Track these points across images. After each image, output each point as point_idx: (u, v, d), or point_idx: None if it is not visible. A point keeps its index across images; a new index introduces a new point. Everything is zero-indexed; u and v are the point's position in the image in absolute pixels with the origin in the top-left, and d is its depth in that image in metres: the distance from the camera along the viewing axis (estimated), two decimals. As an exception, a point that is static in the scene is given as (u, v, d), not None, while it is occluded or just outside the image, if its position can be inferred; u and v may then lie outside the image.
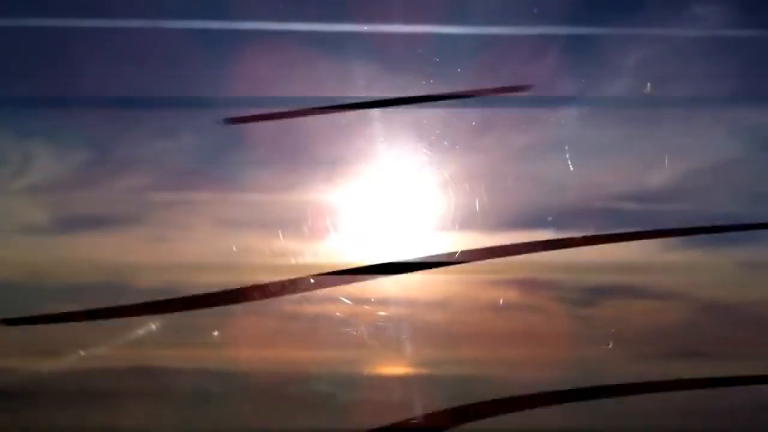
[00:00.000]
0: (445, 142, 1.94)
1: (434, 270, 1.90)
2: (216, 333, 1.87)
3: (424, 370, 1.95)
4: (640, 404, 1.90)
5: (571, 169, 1.92)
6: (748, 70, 2.01)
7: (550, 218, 1.93)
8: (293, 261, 1.87)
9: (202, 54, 1.99)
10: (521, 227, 1.94)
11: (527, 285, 1.98)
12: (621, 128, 2.02)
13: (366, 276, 1.88)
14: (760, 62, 2.00)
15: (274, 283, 1.85)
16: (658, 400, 1.90)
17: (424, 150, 1.94)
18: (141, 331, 1.85)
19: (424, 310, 1.97)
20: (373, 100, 1.91)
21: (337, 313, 1.89)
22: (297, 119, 1.94)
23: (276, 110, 1.93)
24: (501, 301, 1.94)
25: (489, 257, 1.88)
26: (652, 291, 2.00)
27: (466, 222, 1.92)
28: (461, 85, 1.94)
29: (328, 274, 1.86)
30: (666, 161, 1.96)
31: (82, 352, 1.85)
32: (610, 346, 1.90)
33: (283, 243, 1.89)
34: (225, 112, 1.94)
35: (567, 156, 1.92)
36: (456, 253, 1.88)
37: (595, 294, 2.01)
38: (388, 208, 1.97)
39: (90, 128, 2.00)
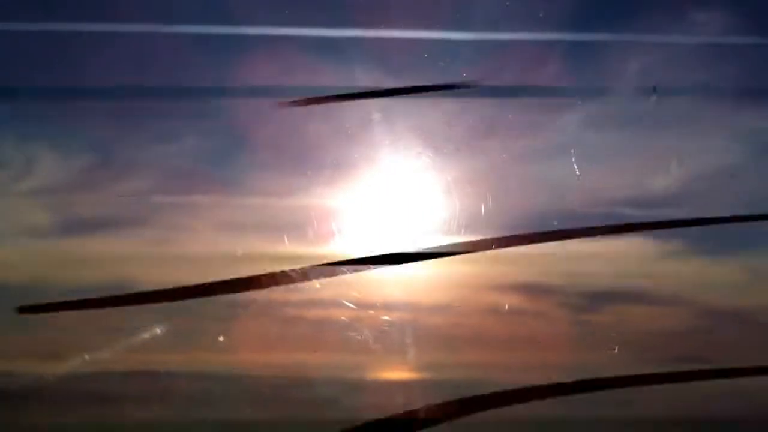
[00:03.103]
0: (450, 144, 1.95)
1: (435, 271, 1.91)
2: (221, 338, 1.87)
3: (426, 375, 1.95)
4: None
5: (577, 173, 1.93)
6: (750, 75, 2.02)
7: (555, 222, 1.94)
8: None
9: (203, 56, 1.99)
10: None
11: (530, 290, 1.99)
12: (624, 132, 2.03)
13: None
14: (762, 67, 2.02)
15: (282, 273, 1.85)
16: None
17: (428, 153, 1.95)
18: (145, 334, 1.85)
19: (427, 314, 1.97)
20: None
21: (342, 318, 1.90)
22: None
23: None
24: (506, 306, 1.95)
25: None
26: (654, 296, 2.01)
27: (470, 225, 1.92)
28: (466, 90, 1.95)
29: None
30: (669, 166, 1.97)
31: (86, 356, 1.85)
32: (616, 350, 1.91)
33: (287, 246, 1.89)
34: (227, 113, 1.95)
35: (573, 160, 1.93)
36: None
37: (598, 299, 2.01)
38: (391, 211, 1.98)
39: (93, 131, 1.99)
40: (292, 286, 1.86)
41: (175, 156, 2.02)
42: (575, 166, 1.92)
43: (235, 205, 1.97)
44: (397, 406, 1.85)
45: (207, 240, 1.94)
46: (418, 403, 1.84)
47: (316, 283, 1.86)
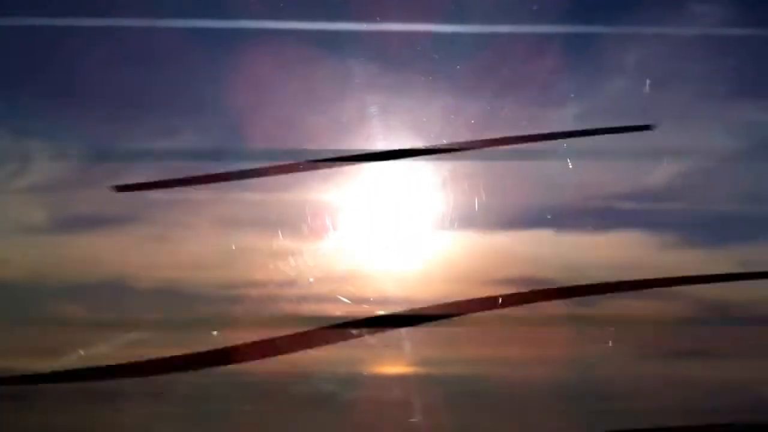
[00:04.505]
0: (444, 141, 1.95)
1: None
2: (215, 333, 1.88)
3: (423, 369, 1.95)
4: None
5: (570, 167, 1.93)
6: (747, 68, 2.02)
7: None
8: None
9: (201, 53, 2.00)
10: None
11: (526, 284, 1.98)
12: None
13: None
14: (759, 60, 2.01)
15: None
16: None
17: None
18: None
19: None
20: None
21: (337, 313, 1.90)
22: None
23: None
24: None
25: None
26: (651, 290, 2.00)
27: (465, 221, 1.92)
28: (461, 83, 1.95)
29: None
30: (664, 160, 1.96)
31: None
32: (610, 344, 1.91)
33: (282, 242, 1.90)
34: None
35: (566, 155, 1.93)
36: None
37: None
38: (387, 208, 1.98)
39: (89, 127, 2.00)
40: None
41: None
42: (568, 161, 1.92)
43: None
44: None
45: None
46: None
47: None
